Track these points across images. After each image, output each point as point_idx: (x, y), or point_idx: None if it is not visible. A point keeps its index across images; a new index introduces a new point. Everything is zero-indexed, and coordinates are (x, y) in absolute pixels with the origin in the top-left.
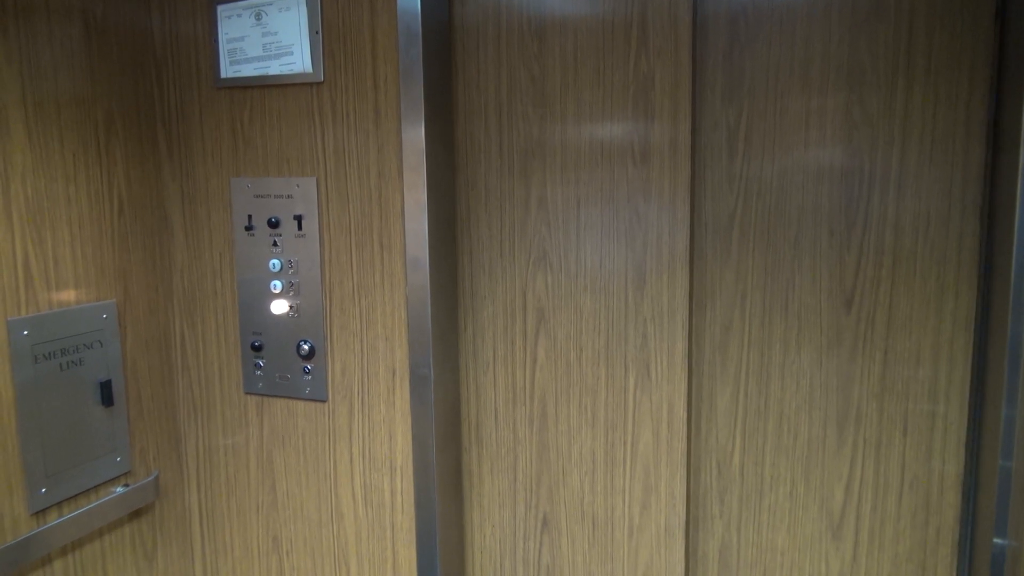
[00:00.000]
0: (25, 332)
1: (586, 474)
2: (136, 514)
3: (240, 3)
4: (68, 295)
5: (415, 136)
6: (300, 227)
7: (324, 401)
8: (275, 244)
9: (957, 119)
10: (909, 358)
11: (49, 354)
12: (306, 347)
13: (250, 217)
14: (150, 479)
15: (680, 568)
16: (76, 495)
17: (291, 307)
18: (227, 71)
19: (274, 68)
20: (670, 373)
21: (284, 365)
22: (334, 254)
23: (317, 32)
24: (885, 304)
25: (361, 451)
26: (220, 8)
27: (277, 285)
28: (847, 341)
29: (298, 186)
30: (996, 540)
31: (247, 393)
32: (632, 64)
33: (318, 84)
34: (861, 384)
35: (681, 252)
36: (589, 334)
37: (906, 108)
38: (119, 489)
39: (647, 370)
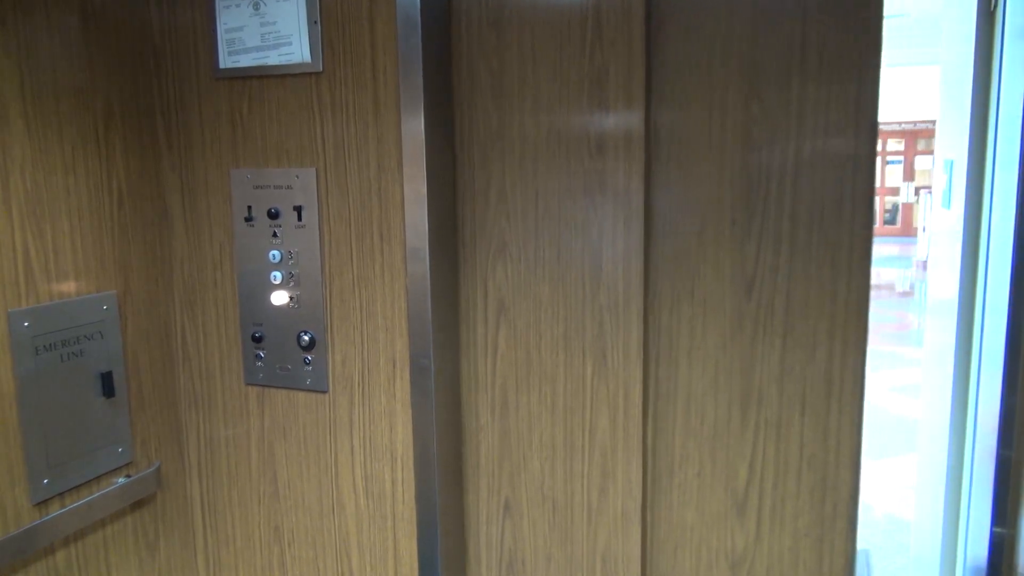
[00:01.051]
0: (26, 324)
1: (546, 459)
2: (138, 504)
3: None
4: (68, 286)
5: (415, 126)
6: (300, 218)
7: (325, 392)
8: (275, 235)
9: (848, 115)
10: (806, 342)
11: (50, 345)
12: (306, 338)
13: (250, 208)
14: (151, 470)
15: (637, 551)
16: (78, 486)
17: (291, 298)
18: (226, 61)
19: (273, 58)
20: (626, 361)
21: (285, 356)
22: (334, 245)
23: (316, 22)
24: (783, 291)
25: (362, 441)
26: None
27: (277, 276)
28: (748, 327)
29: (297, 177)
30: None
31: (248, 384)
32: (588, 57)
33: (317, 74)
34: (762, 367)
35: (636, 243)
36: (548, 323)
37: (800, 104)
38: (121, 480)
39: (604, 358)
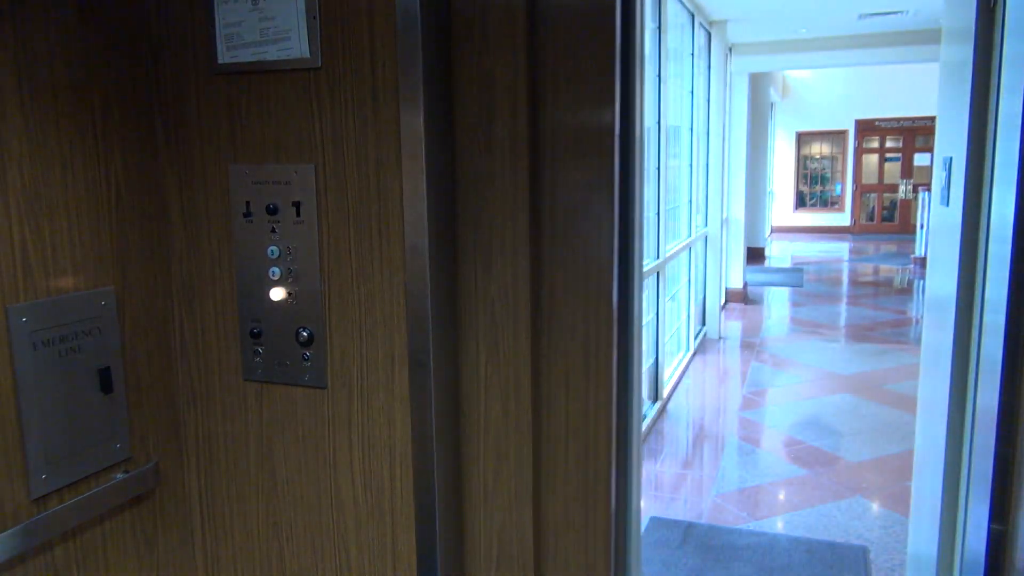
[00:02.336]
0: (24, 319)
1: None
2: (136, 500)
3: None
4: (66, 282)
5: (414, 122)
6: (299, 214)
7: (323, 388)
8: (273, 231)
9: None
10: (565, 329)
11: (48, 341)
12: (305, 334)
13: (248, 204)
14: (150, 466)
15: (530, 531)
16: (76, 481)
17: (290, 294)
18: (224, 56)
19: (271, 53)
20: (516, 349)
21: (283, 352)
22: (332, 241)
23: (315, 16)
24: (548, 282)
25: (361, 437)
26: None
27: (276, 272)
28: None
29: (296, 173)
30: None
31: (246, 380)
32: (476, 61)
33: (316, 70)
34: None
35: (522, 234)
36: None
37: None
38: (119, 475)
39: (495, 347)
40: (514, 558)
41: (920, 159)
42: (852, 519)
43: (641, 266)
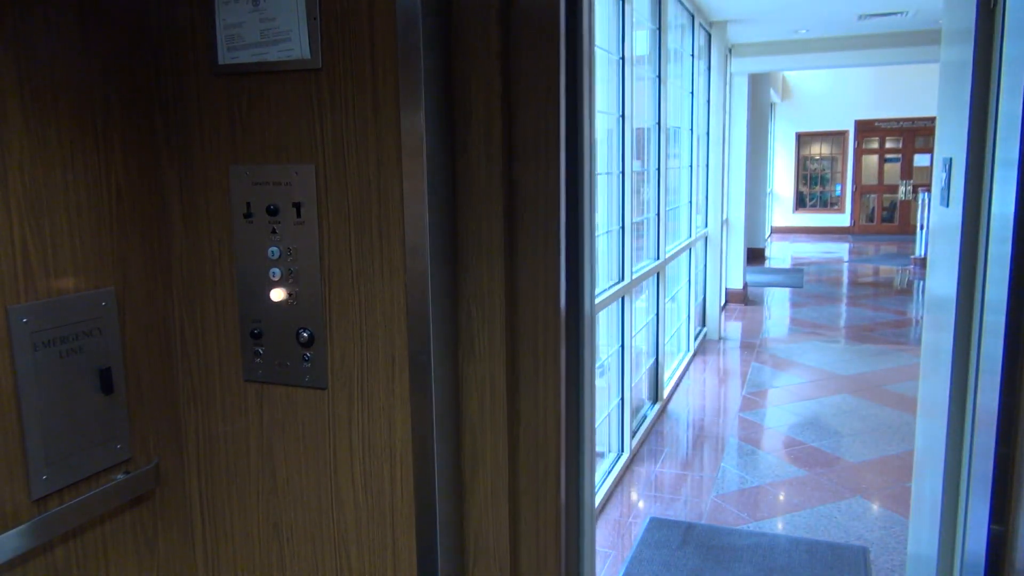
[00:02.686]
0: (25, 320)
1: None
2: (137, 501)
3: None
4: (67, 283)
5: (414, 122)
6: (299, 215)
7: (324, 389)
8: (274, 232)
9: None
10: (527, 328)
11: (49, 342)
12: (305, 335)
13: (249, 205)
14: (150, 466)
15: (506, 528)
16: (77, 482)
17: (290, 295)
18: (225, 57)
19: (272, 54)
20: (491, 348)
21: (284, 353)
22: (333, 242)
23: (315, 18)
24: (511, 288)
25: (361, 438)
26: None
27: (276, 272)
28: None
29: (296, 173)
30: None
31: (247, 381)
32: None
33: (316, 71)
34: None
35: (498, 236)
36: None
37: None
38: (120, 476)
39: (471, 346)
40: (491, 553)
41: (920, 160)
42: (852, 520)
43: (593, 265)
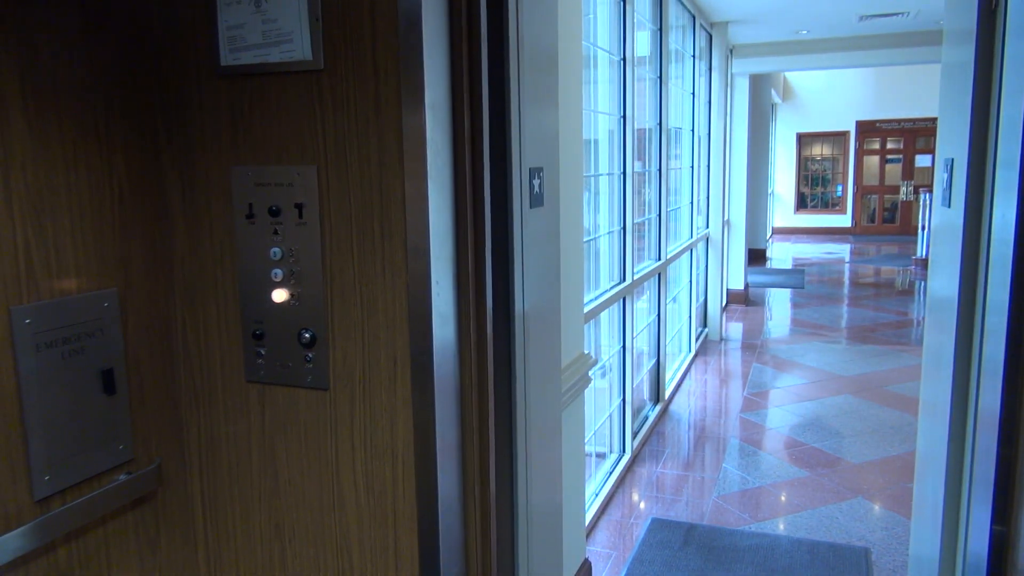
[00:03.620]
0: (27, 320)
1: None
2: (139, 501)
3: None
4: (70, 283)
5: (416, 123)
6: (301, 215)
7: (326, 389)
8: (276, 232)
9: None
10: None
11: (51, 343)
12: (307, 335)
13: (251, 205)
14: (152, 467)
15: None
16: (79, 483)
17: (292, 295)
18: (227, 59)
19: (274, 55)
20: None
21: (286, 353)
22: (335, 242)
23: (317, 19)
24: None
25: (363, 439)
26: None
27: (278, 273)
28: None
29: (299, 174)
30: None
31: (249, 381)
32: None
33: (318, 71)
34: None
35: (462, 232)
36: None
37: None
38: (122, 477)
39: None
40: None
41: (921, 160)
42: (854, 520)
43: (523, 264)
